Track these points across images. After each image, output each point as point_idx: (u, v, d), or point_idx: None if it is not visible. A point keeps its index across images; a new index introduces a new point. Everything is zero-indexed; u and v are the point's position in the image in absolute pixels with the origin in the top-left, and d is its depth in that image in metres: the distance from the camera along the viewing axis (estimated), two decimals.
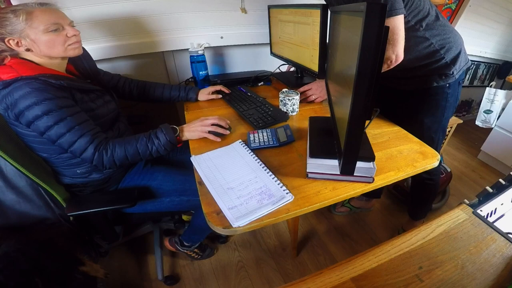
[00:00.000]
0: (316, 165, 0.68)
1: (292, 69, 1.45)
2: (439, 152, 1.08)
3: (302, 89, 1.14)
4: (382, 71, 0.80)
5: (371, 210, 1.56)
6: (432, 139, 1.00)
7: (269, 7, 1.28)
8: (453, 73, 0.90)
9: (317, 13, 0.95)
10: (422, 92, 0.96)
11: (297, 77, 1.29)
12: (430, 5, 0.87)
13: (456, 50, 0.91)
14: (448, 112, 0.99)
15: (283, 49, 1.29)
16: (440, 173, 1.20)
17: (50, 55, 0.76)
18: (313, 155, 0.69)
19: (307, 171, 0.69)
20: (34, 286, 0.71)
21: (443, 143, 1.18)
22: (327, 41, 0.94)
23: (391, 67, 0.80)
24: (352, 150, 0.51)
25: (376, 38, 0.38)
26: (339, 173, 0.64)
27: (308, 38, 1.05)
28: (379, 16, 0.37)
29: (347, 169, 0.55)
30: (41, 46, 0.73)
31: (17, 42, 0.71)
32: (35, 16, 0.71)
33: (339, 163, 0.57)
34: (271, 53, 1.41)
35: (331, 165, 0.66)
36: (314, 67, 1.06)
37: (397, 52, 0.76)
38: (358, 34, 0.40)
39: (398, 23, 0.73)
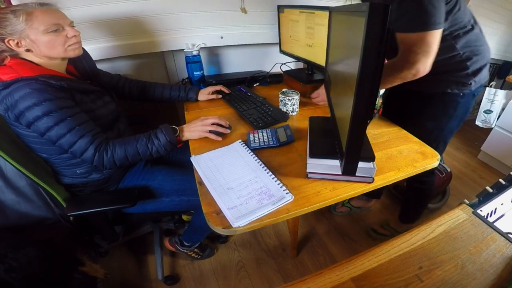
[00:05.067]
0: (316, 165, 0.68)
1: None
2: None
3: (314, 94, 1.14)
4: (405, 80, 0.79)
5: (371, 210, 1.56)
6: (430, 146, 0.98)
7: (279, 7, 1.29)
8: (470, 84, 0.88)
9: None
10: (433, 95, 0.93)
11: (308, 74, 1.30)
12: (470, 17, 0.85)
13: (481, 63, 0.88)
14: (453, 122, 0.96)
15: (293, 47, 1.30)
16: (433, 182, 1.19)
17: (50, 56, 0.76)
18: (313, 155, 0.69)
19: (307, 171, 0.69)
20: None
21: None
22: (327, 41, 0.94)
23: (416, 77, 0.78)
24: (354, 150, 0.51)
25: (378, 39, 0.38)
26: (339, 173, 0.64)
27: (323, 38, 1.05)
28: (382, 17, 0.37)
29: (349, 169, 0.55)
30: (41, 47, 0.73)
31: (17, 43, 0.71)
32: (35, 17, 0.71)
33: (341, 163, 0.57)
34: (281, 51, 1.41)
35: (331, 165, 0.67)
36: None
37: (427, 64, 0.74)
38: (360, 35, 0.40)
39: (436, 38, 0.71)
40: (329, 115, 0.80)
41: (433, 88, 0.92)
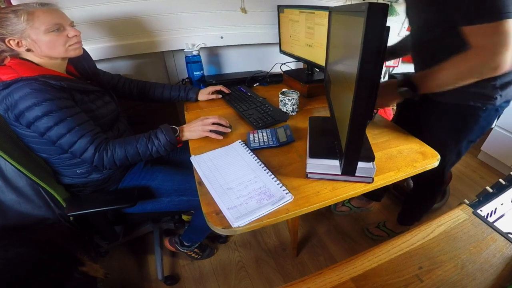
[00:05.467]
0: (315, 165, 0.68)
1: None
2: (447, 173, 1.03)
3: None
4: (482, 77, 0.69)
5: (370, 210, 1.56)
6: (444, 158, 0.88)
7: (279, 7, 1.29)
8: (495, 98, 0.80)
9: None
10: (452, 106, 0.86)
11: (308, 74, 1.30)
12: None
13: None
14: (471, 136, 0.91)
15: (293, 47, 1.30)
16: (440, 189, 1.17)
17: (50, 56, 0.76)
18: (313, 155, 0.69)
19: (307, 171, 0.69)
20: None
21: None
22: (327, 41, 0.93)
23: (496, 74, 0.67)
24: (353, 150, 0.51)
25: (378, 39, 0.38)
26: (339, 173, 0.64)
27: (323, 38, 1.04)
28: (381, 17, 0.37)
29: (349, 170, 0.55)
30: (42, 47, 0.73)
31: (18, 42, 0.71)
32: (37, 17, 0.71)
33: (340, 164, 0.57)
34: (281, 51, 1.42)
35: (331, 165, 0.67)
36: None
37: (510, 58, 0.64)
38: (360, 35, 0.40)
39: None
40: (329, 115, 0.80)
41: (453, 99, 0.85)
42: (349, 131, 0.49)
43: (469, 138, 0.92)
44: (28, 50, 0.73)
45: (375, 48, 0.39)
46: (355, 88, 0.43)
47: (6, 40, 0.70)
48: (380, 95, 0.78)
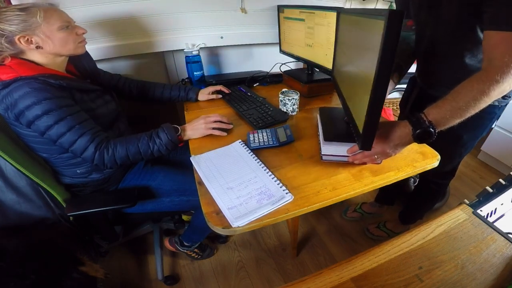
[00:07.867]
0: (330, 148, 0.74)
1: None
2: (457, 166, 1.05)
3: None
4: (499, 96, 0.61)
5: (382, 216, 1.53)
6: (461, 155, 0.95)
7: (279, 7, 1.29)
8: (510, 96, 0.83)
9: (333, 15, 0.95)
10: None
11: (308, 74, 1.30)
12: None
13: None
14: (484, 132, 0.94)
15: (293, 47, 1.30)
16: (447, 185, 1.17)
17: (60, 53, 0.78)
18: (327, 139, 0.75)
19: (322, 153, 0.75)
20: None
21: None
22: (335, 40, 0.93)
23: None
24: (371, 126, 0.56)
25: (394, 38, 0.45)
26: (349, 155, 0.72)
27: (323, 38, 1.06)
28: (398, 21, 0.43)
29: (366, 144, 0.59)
30: (55, 43, 0.75)
31: (27, 39, 0.71)
32: (51, 14, 0.73)
33: (358, 141, 0.62)
34: (281, 50, 1.42)
35: (343, 148, 0.72)
36: (328, 64, 1.05)
37: None
38: (376, 35, 0.47)
39: None
40: (331, 106, 0.88)
41: None
42: (369, 111, 0.53)
43: (482, 134, 0.94)
44: (38, 47, 0.73)
45: (393, 46, 0.46)
46: (375, 77, 0.49)
47: (17, 38, 0.70)
48: (391, 140, 0.66)
